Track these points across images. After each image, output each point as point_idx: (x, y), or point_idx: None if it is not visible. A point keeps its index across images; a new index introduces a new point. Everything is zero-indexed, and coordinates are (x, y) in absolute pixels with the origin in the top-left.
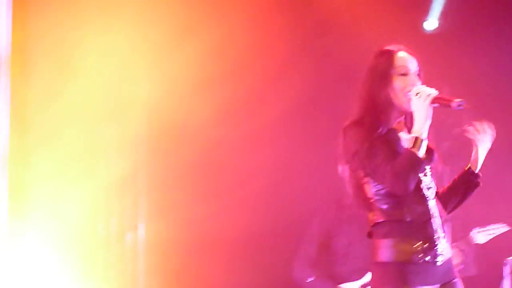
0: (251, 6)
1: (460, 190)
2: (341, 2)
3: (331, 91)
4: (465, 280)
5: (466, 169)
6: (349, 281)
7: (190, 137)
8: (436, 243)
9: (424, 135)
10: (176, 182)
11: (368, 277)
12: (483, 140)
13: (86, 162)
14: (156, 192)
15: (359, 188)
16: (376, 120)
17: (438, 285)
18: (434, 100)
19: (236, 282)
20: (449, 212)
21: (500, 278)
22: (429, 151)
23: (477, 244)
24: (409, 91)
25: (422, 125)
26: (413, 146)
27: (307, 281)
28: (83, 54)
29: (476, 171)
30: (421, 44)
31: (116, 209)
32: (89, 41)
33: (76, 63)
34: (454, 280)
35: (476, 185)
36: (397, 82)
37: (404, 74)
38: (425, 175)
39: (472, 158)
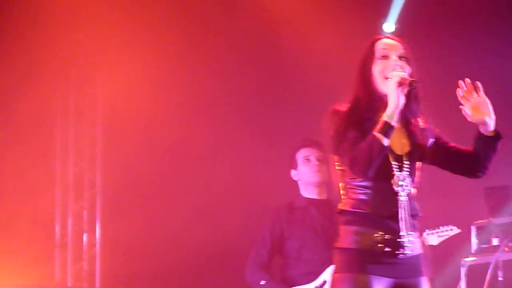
0: (204, 10)
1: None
2: (297, 6)
3: (287, 98)
4: None
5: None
6: (302, 284)
7: (148, 139)
8: (399, 237)
9: (394, 121)
10: (133, 185)
11: (320, 280)
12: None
13: (44, 164)
14: (112, 193)
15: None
16: (357, 108)
17: (399, 280)
18: (399, 82)
19: (191, 282)
20: (483, 172)
21: (458, 279)
22: (412, 145)
23: (430, 245)
24: (391, 70)
25: (392, 109)
26: (379, 131)
27: (259, 284)
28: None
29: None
30: None
31: (72, 210)
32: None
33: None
34: (418, 278)
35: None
36: (376, 66)
37: (384, 57)
38: (400, 170)
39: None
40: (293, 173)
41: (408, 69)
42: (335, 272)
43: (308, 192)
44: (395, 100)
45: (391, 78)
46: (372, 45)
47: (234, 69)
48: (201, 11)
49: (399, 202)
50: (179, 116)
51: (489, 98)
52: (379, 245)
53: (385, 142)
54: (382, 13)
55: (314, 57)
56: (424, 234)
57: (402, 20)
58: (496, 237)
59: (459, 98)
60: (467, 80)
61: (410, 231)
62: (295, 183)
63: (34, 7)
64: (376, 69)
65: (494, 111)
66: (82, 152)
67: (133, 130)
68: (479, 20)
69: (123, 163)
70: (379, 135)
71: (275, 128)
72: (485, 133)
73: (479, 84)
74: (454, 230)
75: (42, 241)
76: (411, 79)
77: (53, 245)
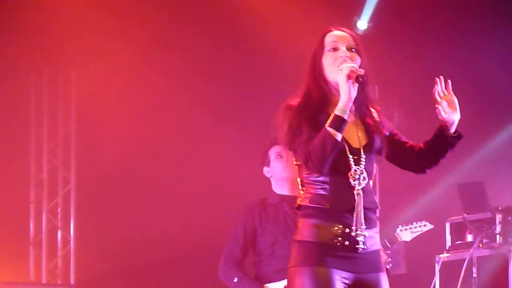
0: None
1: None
2: (271, 4)
3: (258, 95)
4: (396, 278)
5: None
6: (275, 281)
7: (122, 137)
8: (356, 231)
9: (346, 114)
10: (107, 181)
11: None
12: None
13: (18, 161)
14: (86, 190)
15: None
16: (309, 101)
17: (359, 274)
18: (349, 74)
19: (166, 278)
20: (430, 166)
21: (432, 275)
22: (369, 137)
23: (403, 241)
24: (341, 61)
25: (344, 102)
26: (331, 125)
27: (233, 281)
28: None
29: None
30: None
31: (47, 207)
32: None
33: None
34: (378, 273)
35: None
36: (326, 58)
37: (333, 49)
38: (357, 163)
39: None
40: (265, 170)
41: (358, 60)
42: (293, 265)
43: (281, 188)
44: (346, 93)
45: (341, 70)
46: (322, 38)
47: (211, 66)
48: (177, 8)
49: (355, 196)
50: (154, 114)
51: (464, 95)
52: (338, 238)
53: (338, 136)
54: (356, 11)
55: (290, 55)
56: (397, 230)
57: (376, 18)
58: (470, 233)
59: (433, 96)
60: (441, 78)
61: (366, 226)
62: (268, 181)
63: (7, 4)
64: (326, 61)
65: (468, 107)
66: (56, 150)
67: (107, 127)
68: (453, 17)
69: (97, 160)
70: (331, 130)
71: (251, 126)
72: (449, 132)
73: (449, 82)
74: (427, 226)
75: (17, 239)
76: (359, 73)
77: (28, 242)
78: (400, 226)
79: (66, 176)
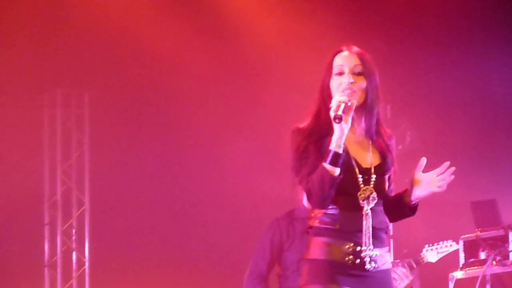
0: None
1: (396, 209)
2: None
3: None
4: None
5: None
6: None
7: (135, 157)
8: (366, 249)
9: (341, 149)
10: (121, 202)
11: None
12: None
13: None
14: (100, 211)
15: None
16: (317, 124)
17: None
18: (335, 111)
19: None
20: (391, 221)
21: None
22: (381, 157)
23: (428, 262)
24: (342, 90)
25: (337, 138)
26: (328, 162)
27: None
28: None
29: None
30: None
31: (61, 228)
32: None
33: None
34: None
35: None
36: (332, 82)
37: (339, 74)
38: (367, 183)
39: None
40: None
41: (363, 83)
42: (303, 284)
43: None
44: (338, 128)
45: (331, 106)
46: (331, 59)
47: (231, 83)
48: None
49: (363, 216)
50: (168, 132)
51: (475, 112)
52: (350, 256)
53: (336, 171)
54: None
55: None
56: (424, 250)
57: (388, 36)
58: (484, 250)
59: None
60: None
61: (377, 244)
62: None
63: (20, 27)
64: (332, 85)
65: (480, 123)
66: (70, 171)
67: (120, 148)
68: (464, 36)
69: (111, 181)
70: (328, 167)
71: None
72: (412, 202)
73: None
74: (453, 246)
75: (32, 260)
76: (337, 113)
77: (43, 264)
78: (426, 246)
79: (80, 197)
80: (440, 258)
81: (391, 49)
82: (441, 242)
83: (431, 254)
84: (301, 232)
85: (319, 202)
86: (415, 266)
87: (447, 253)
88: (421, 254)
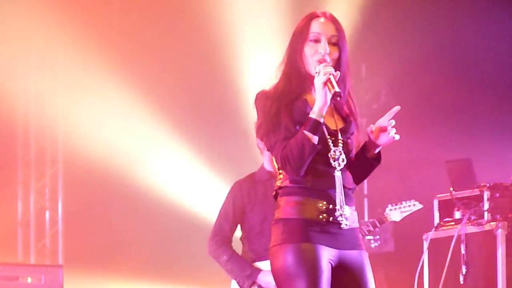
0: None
1: (361, 164)
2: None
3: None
4: (384, 255)
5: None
6: (264, 259)
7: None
8: (339, 207)
9: (322, 117)
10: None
11: None
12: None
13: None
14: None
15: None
16: (288, 88)
17: (342, 251)
18: (325, 82)
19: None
20: (357, 184)
21: (420, 252)
22: (345, 121)
23: (392, 221)
24: (318, 59)
25: (320, 106)
26: (309, 129)
27: (222, 260)
28: None
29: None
30: None
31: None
32: None
33: None
34: (359, 250)
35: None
36: (307, 48)
37: (315, 41)
38: (335, 145)
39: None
40: (259, 141)
41: (335, 54)
42: (276, 243)
43: (271, 164)
44: (322, 98)
45: (318, 73)
46: (307, 24)
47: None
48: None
49: (335, 176)
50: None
51: (451, 72)
52: (323, 214)
53: (315, 140)
54: None
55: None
56: (387, 209)
57: None
58: (458, 210)
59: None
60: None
61: (348, 204)
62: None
63: None
64: (307, 51)
65: (455, 84)
66: (44, 131)
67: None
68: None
69: (85, 140)
70: (309, 134)
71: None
72: (373, 153)
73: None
74: (416, 206)
75: (4, 219)
76: (336, 90)
77: (16, 223)
78: (389, 206)
79: (55, 157)
80: (414, 218)
81: (366, 6)
82: (404, 202)
83: (395, 213)
84: (263, 195)
85: (296, 168)
86: (378, 225)
87: (410, 212)
88: (385, 213)
